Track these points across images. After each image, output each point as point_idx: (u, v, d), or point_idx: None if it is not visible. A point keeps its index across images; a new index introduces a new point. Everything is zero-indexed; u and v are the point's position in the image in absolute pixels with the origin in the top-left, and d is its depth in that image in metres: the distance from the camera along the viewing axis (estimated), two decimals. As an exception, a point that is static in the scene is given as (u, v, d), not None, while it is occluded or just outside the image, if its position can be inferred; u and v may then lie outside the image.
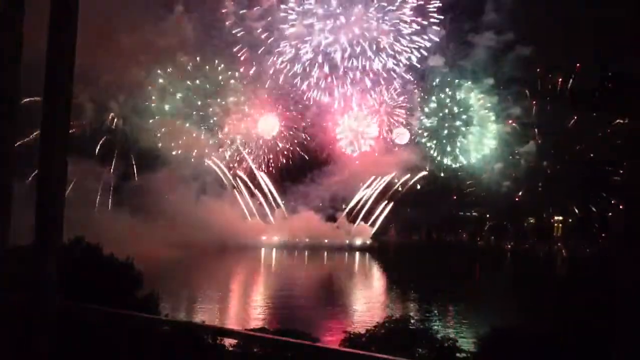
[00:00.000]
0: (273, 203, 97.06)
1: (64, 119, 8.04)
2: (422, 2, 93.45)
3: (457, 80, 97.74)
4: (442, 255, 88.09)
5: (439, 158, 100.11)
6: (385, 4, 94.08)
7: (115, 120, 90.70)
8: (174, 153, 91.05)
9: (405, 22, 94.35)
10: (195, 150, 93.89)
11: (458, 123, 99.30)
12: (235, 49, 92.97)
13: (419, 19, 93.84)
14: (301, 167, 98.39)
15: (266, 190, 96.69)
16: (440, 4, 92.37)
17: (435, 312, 42.93)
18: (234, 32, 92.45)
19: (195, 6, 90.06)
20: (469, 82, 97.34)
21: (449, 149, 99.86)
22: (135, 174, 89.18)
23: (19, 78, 6.67)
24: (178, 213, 79.03)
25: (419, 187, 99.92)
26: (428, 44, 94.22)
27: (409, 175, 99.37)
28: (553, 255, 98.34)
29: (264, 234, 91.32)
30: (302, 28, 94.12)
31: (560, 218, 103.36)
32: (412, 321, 16.91)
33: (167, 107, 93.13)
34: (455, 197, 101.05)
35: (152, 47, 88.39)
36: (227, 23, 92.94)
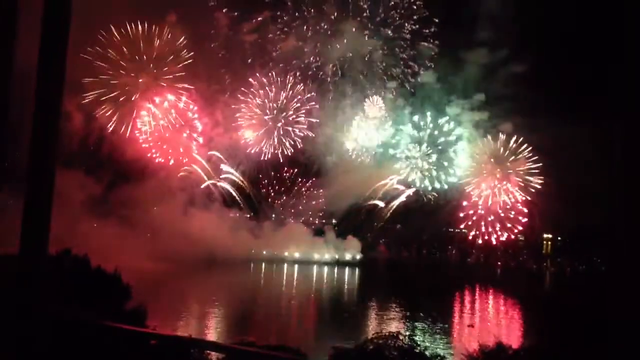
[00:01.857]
0: (262, 216, 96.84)
1: (54, 130, 8.07)
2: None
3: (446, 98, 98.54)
4: (432, 273, 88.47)
5: (429, 175, 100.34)
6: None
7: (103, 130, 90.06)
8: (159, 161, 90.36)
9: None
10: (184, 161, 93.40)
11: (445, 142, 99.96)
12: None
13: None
14: (290, 179, 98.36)
15: (255, 202, 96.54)
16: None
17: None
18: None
19: (188, 17, 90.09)
20: (458, 100, 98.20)
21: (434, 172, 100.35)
22: (121, 186, 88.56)
23: (8, 87, 6.71)
24: (165, 225, 78.54)
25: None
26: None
27: (399, 190, 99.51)
28: (542, 272, 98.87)
29: (252, 248, 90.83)
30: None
31: (550, 236, 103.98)
32: (400, 337, 16.91)
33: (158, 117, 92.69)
34: (444, 214, 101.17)
35: (142, 57, 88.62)
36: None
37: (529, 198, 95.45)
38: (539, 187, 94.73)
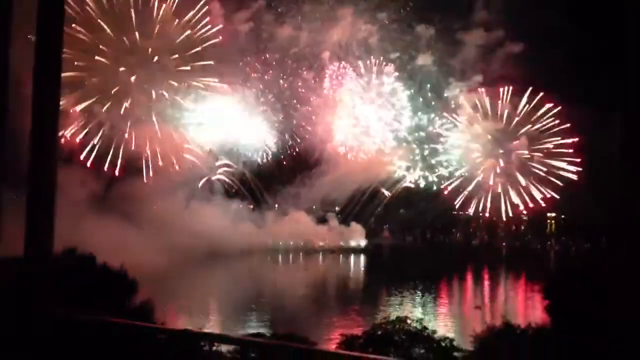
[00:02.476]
0: (264, 206, 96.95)
1: (53, 126, 8.04)
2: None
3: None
4: (436, 257, 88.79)
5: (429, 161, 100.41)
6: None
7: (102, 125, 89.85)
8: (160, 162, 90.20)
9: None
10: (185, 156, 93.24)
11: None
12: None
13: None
14: (292, 168, 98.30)
15: (257, 192, 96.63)
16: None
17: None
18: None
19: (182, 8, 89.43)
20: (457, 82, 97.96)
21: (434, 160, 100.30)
22: (123, 180, 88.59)
23: (7, 85, 6.65)
24: (167, 219, 78.67)
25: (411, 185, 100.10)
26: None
27: (400, 177, 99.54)
28: (547, 252, 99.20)
29: (256, 238, 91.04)
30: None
31: (553, 215, 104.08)
32: (408, 321, 16.97)
33: (154, 111, 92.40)
34: (447, 197, 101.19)
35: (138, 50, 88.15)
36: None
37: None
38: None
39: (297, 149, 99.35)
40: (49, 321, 6.13)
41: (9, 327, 5.98)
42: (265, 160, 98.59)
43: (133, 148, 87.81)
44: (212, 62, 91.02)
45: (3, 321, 6.06)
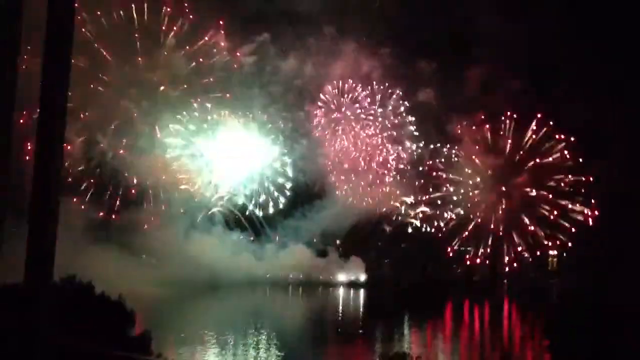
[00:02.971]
0: (264, 237, 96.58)
1: (57, 158, 8.18)
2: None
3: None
4: (435, 292, 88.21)
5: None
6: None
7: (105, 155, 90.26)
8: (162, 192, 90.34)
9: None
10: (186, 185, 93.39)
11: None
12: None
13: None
14: (292, 200, 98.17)
15: (257, 224, 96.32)
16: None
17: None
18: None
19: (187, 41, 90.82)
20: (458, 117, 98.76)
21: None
22: (123, 210, 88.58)
23: (11, 125, 6.80)
24: (167, 249, 78.45)
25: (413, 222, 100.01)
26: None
27: (402, 210, 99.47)
28: (549, 288, 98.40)
29: (255, 270, 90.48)
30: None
31: (555, 252, 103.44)
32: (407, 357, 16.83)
33: (157, 142, 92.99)
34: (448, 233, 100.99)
35: (142, 81, 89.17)
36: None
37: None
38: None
39: (298, 182, 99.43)
40: (49, 349, 6.14)
41: (10, 354, 5.99)
42: (265, 195, 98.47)
43: (135, 180, 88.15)
44: (219, 94, 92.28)
45: (4, 348, 6.08)
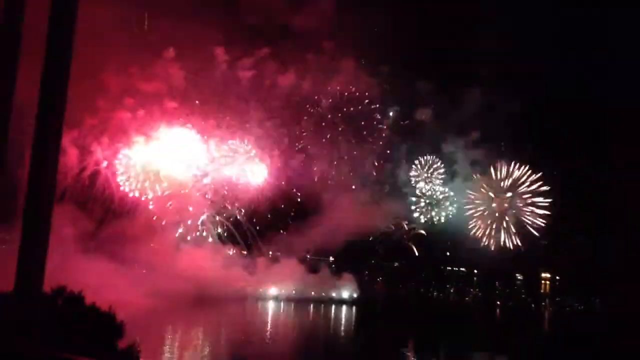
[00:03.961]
0: (256, 251, 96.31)
1: (52, 168, 8.22)
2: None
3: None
4: (427, 312, 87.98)
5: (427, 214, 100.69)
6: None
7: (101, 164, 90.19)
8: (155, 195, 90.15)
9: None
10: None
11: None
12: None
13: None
14: (285, 216, 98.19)
15: (250, 238, 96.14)
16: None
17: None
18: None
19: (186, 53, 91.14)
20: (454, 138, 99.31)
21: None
22: (114, 220, 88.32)
23: (7, 138, 6.85)
24: (157, 261, 77.96)
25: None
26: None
27: (393, 228, 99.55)
28: (541, 312, 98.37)
29: (247, 285, 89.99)
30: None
31: (548, 275, 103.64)
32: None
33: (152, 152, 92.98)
34: (442, 253, 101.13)
35: (139, 92, 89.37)
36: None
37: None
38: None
39: (291, 196, 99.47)
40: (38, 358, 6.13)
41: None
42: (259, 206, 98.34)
43: (128, 190, 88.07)
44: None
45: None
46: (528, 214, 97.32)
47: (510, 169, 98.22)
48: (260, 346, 50.48)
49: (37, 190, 7.71)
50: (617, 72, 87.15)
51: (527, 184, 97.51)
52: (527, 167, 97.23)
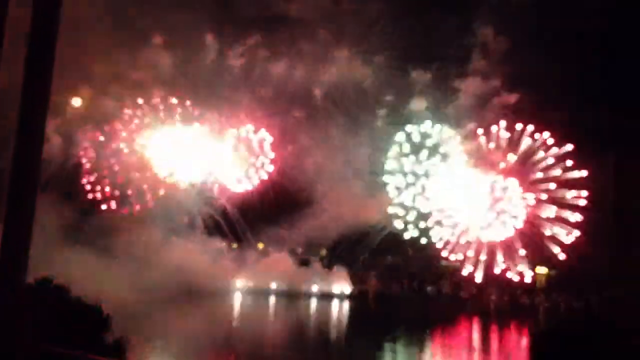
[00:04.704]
0: (246, 244, 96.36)
1: (36, 154, 8.15)
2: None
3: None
4: (422, 308, 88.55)
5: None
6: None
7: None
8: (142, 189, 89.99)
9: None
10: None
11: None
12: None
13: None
14: (276, 208, 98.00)
15: (239, 231, 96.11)
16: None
17: None
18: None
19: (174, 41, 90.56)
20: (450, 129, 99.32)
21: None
22: (100, 211, 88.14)
23: None
24: (144, 253, 77.88)
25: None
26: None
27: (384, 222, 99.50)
28: (536, 307, 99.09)
29: (236, 278, 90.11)
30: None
31: (544, 269, 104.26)
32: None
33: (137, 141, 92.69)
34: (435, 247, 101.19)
35: (125, 80, 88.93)
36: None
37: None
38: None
39: (282, 188, 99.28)
40: (22, 353, 6.07)
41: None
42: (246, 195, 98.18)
43: (113, 180, 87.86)
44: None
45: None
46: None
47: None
48: (246, 339, 50.73)
49: (21, 180, 7.62)
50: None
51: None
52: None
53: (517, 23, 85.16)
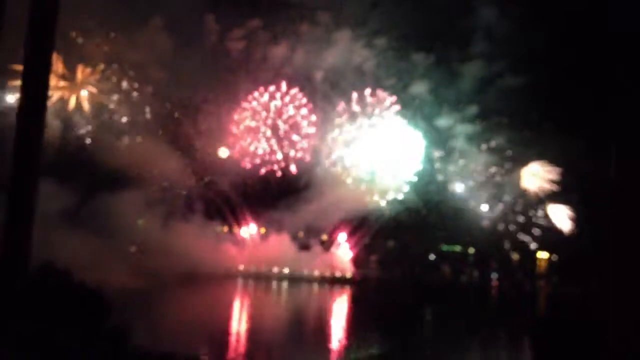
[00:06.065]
0: (247, 228, 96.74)
1: (38, 139, 8.21)
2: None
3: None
4: (421, 292, 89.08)
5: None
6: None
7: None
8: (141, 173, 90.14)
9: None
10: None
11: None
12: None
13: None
14: (277, 191, 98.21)
15: (240, 214, 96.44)
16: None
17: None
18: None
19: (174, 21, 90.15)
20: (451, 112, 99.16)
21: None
22: (100, 196, 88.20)
23: None
24: (144, 237, 78.16)
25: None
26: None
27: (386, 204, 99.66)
28: (536, 292, 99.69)
29: (237, 262, 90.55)
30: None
31: (545, 254, 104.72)
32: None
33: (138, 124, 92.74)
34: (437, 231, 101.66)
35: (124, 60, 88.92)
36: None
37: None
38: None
39: (283, 171, 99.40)
40: (25, 337, 6.18)
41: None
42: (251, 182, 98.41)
43: (113, 164, 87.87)
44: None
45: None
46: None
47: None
48: (248, 325, 51.12)
49: (23, 164, 7.71)
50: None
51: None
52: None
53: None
